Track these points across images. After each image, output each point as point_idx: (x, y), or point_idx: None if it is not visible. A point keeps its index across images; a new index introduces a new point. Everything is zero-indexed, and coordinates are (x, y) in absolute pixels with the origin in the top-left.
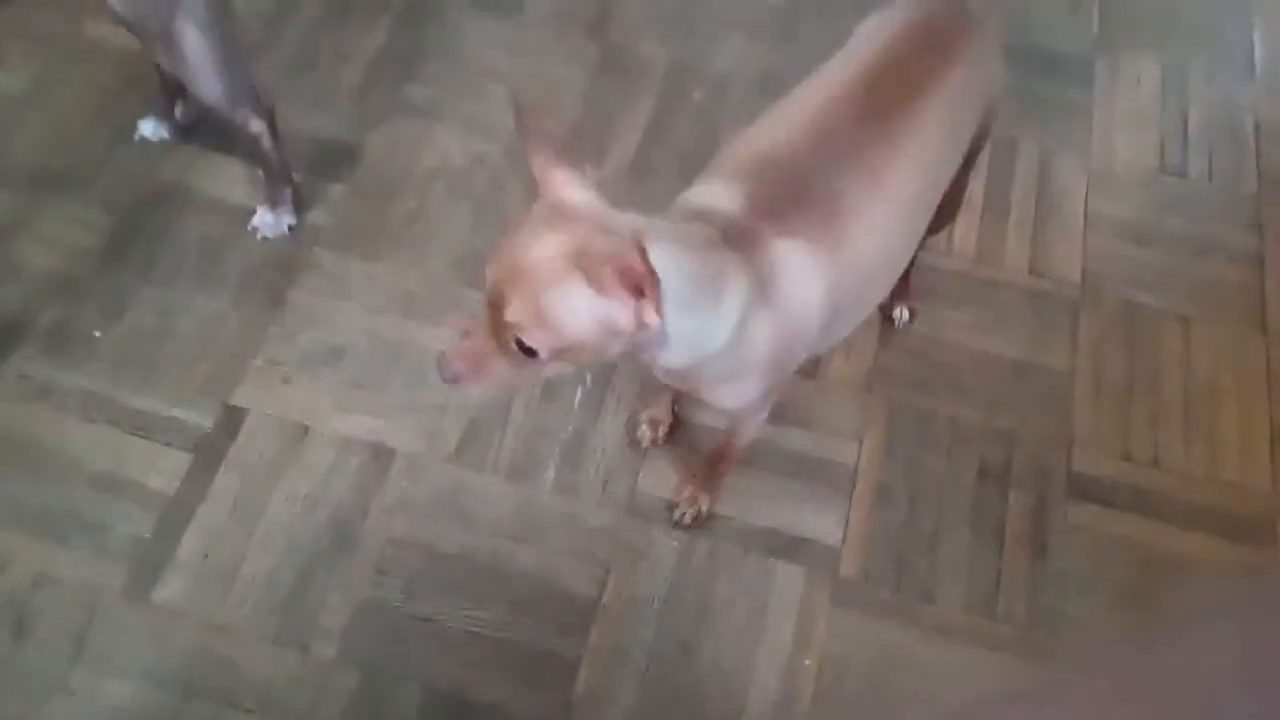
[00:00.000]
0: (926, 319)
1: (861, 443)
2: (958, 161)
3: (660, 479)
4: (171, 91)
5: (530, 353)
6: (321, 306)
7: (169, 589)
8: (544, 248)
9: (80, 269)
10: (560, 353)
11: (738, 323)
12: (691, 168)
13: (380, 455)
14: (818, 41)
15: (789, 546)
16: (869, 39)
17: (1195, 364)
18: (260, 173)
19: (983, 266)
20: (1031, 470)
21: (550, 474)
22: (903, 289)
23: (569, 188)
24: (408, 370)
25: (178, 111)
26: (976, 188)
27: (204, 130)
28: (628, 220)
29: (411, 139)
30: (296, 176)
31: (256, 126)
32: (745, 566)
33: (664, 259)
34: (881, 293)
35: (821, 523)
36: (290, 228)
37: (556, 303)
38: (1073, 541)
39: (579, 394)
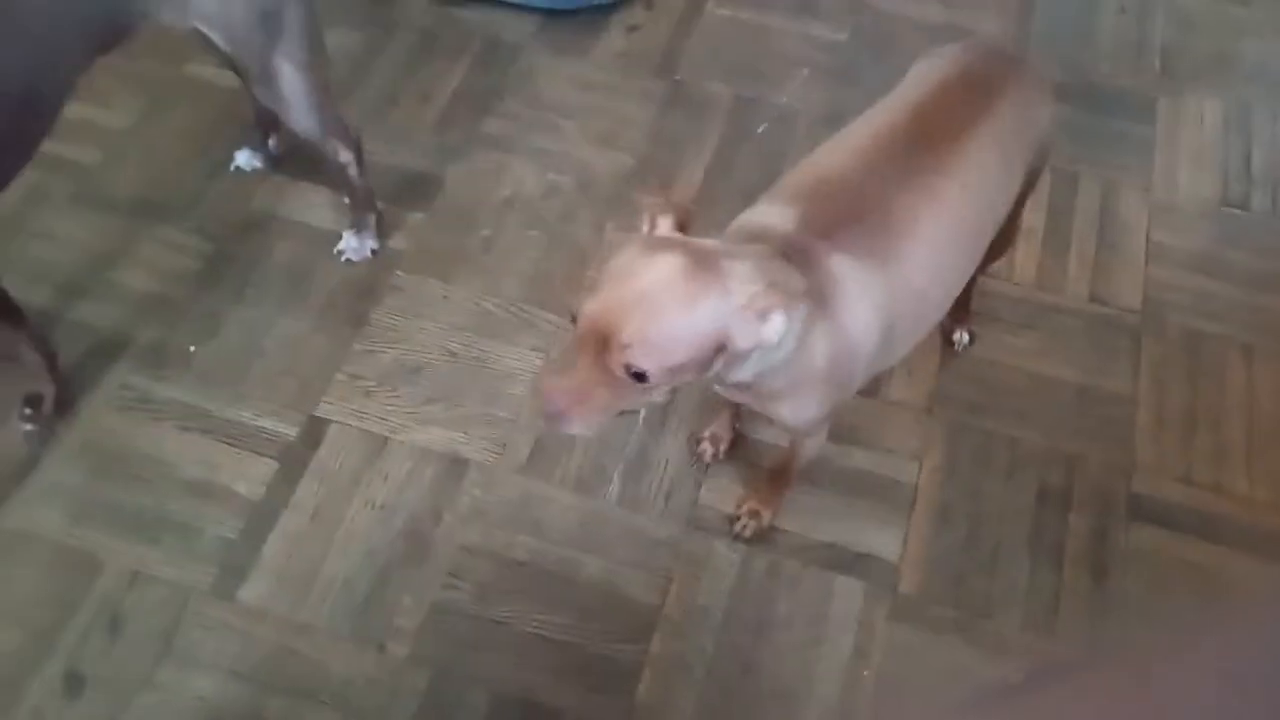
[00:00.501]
0: (987, 343)
1: (922, 463)
2: (1010, 192)
3: (721, 493)
4: (265, 124)
5: (640, 377)
6: (401, 326)
7: (253, 589)
8: (652, 274)
9: (178, 290)
10: (670, 374)
11: (798, 336)
12: (754, 200)
13: (455, 466)
14: (877, 79)
15: (849, 562)
16: (921, 78)
17: (1258, 392)
18: (346, 200)
19: (1044, 293)
20: (1092, 493)
21: (615, 487)
22: (962, 313)
23: (663, 228)
24: (482, 386)
25: (271, 143)
26: (1038, 218)
27: (294, 160)
28: (710, 245)
29: (488, 171)
30: (380, 204)
31: (345, 157)
32: (805, 581)
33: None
34: (937, 313)
35: (881, 540)
36: (373, 252)
37: (673, 321)
38: (1133, 565)
39: (642, 411)
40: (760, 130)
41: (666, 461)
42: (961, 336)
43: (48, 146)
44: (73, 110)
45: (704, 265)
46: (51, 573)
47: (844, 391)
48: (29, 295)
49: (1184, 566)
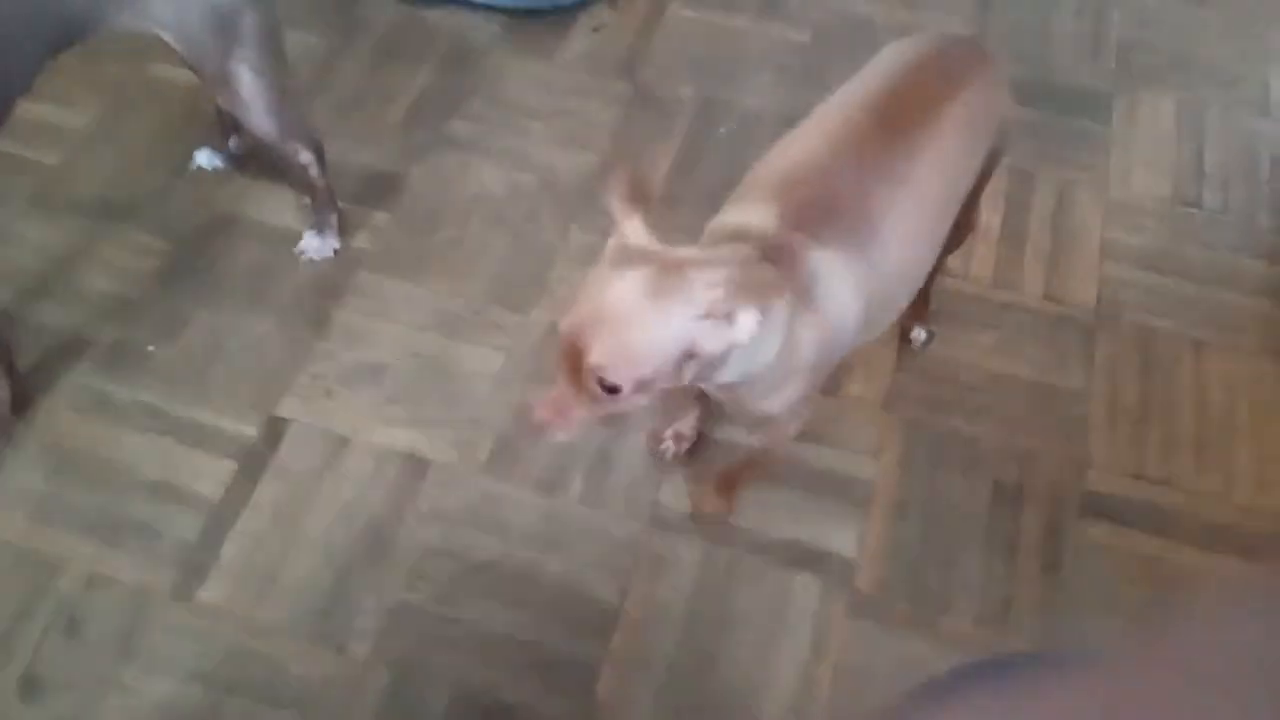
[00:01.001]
0: (944, 341)
1: (879, 459)
2: (973, 174)
3: (682, 492)
4: (226, 125)
5: (613, 390)
6: (364, 326)
7: (213, 590)
8: (619, 288)
9: (138, 291)
10: (640, 385)
11: (784, 334)
12: (718, 200)
13: (416, 466)
14: (840, 79)
15: (807, 559)
16: (887, 63)
17: (1210, 389)
18: (308, 200)
19: (1000, 291)
20: (1046, 489)
21: (577, 486)
22: (920, 310)
23: (634, 234)
24: (445, 386)
25: (232, 143)
26: (994, 217)
27: (256, 160)
28: (680, 253)
29: (453, 171)
30: (344, 204)
31: (305, 158)
32: (764, 578)
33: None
34: (908, 294)
35: (839, 537)
36: (335, 251)
37: (637, 337)
38: (1087, 559)
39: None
40: (724, 131)
41: (627, 462)
42: (919, 334)
43: (8, 146)
44: (33, 111)
45: (668, 276)
46: (8, 575)
47: (823, 375)
48: None
49: (1136, 560)
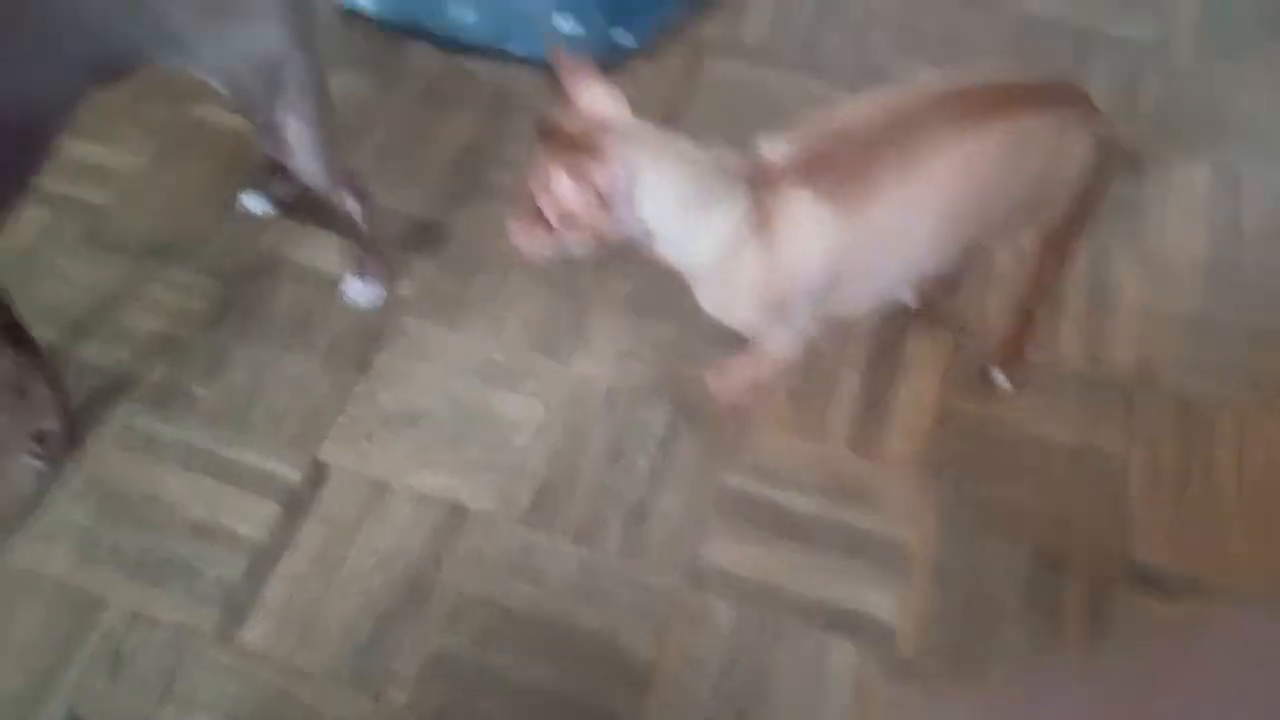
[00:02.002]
0: (981, 401)
1: (918, 523)
2: (1014, 197)
3: (722, 548)
4: (273, 169)
5: (548, 224)
6: (405, 370)
7: (254, 631)
8: (554, 142)
9: (185, 331)
10: (564, 220)
11: (724, 244)
12: None
13: (455, 512)
14: None
15: (846, 622)
16: (978, 71)
17: (1248, 450)
18: (352, 245)
19: (1038, 352)
20: (1088, 555)
21: (615, 537)
22: (1010, 351)
23: (600, 103)
24: (484, 433)
25: (279, 188)
26: None
27: (302, 205)
28: (638, 125)
29: (494, 219)
30: (386, 250)
31: (351, 205)
32: (802, 639)
33: (644, 163)
34: (889, 279)
35: (878, 600)
36: (378, 297)
37: (551, 180)
38: (1130, 628)
39: (644, 462)
40: None
41: (667, 514)
42: (1000, 377)
43: (58, 185)
44: (83, 151)
45: (603, 131)
46: (54, 612)
47: (782, 315)
48: (39, 334)
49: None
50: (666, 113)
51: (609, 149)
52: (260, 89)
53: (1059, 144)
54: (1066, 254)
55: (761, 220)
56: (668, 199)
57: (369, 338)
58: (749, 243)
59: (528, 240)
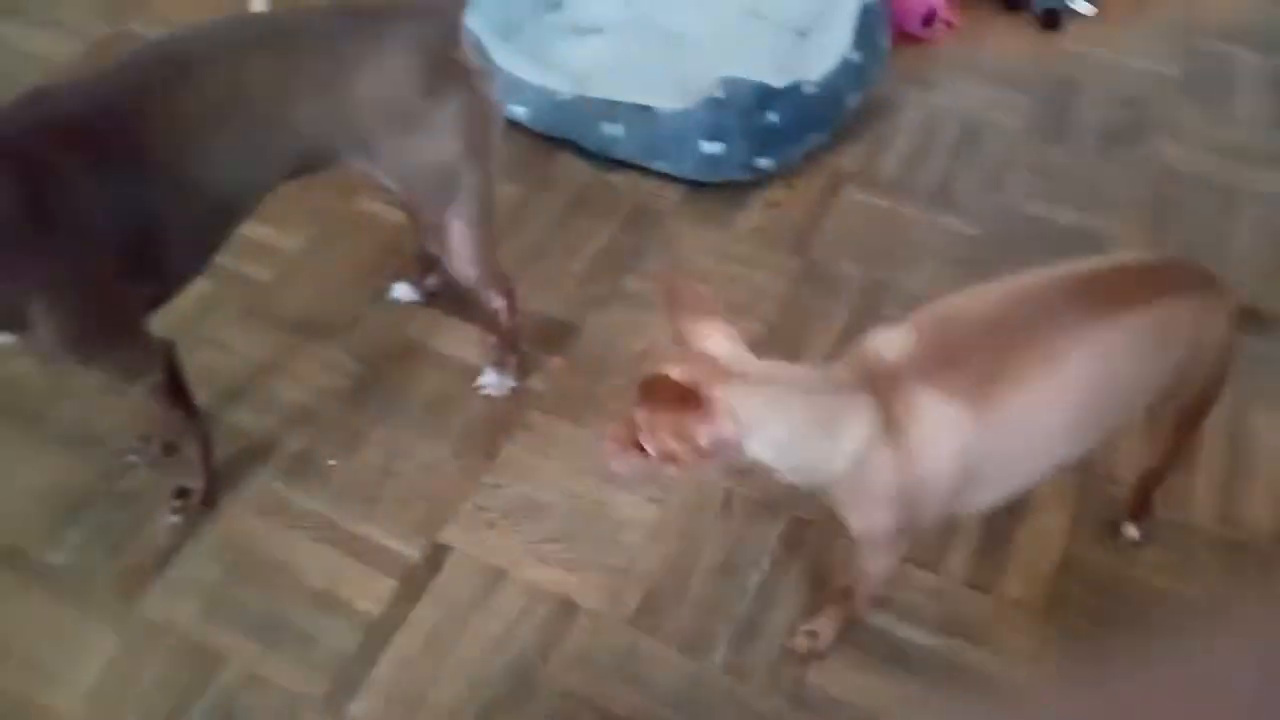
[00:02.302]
0: (1109, 551)
1: (1036, 668)
2: (1147, 387)
3: (831, 674)
4: (425, 263)
5: (645, 451)
6: (530, 463)
7: (362, 706)
8: (658, 397)
9: (326, 406)
10: (665, 456)
11: (856, 457)
12: None
13: (566, 608)
14: (1006, 274)
15: None
16: (1109, 258)
17: None
18: (493, 340)
19: (1170, 510)
20: None
21: (722, 650)
22: (1140, 507)
23: (712, 339)
24: (599, 530)
25: (428, 280)
26: None
27: (447, 297)
28: (747, 364)
29: (625, 325)
30: (522, 346)
31: (498, 303)
32: None
33: (754, 412)
34: (1029, 473)
35: None
36: (512, 389)
37: (653, 418)
38: None
39: (756, 577)
40: (886, 314)
41: (776, 633)
42: (1130, 530)
43: (227, 262)
44: (253, 231)
45: (709, 371)
46: (176, 663)
47: (916, 519)
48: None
49: None
50: (799, 235)
51: (716, 404)
52: (433, 193)
53: (1195, 330)
54: (1198, 424)
55: (890, 426)
56: (783, 441)
57: (499, 428)
58: (880, 451)
59: (622, 462)
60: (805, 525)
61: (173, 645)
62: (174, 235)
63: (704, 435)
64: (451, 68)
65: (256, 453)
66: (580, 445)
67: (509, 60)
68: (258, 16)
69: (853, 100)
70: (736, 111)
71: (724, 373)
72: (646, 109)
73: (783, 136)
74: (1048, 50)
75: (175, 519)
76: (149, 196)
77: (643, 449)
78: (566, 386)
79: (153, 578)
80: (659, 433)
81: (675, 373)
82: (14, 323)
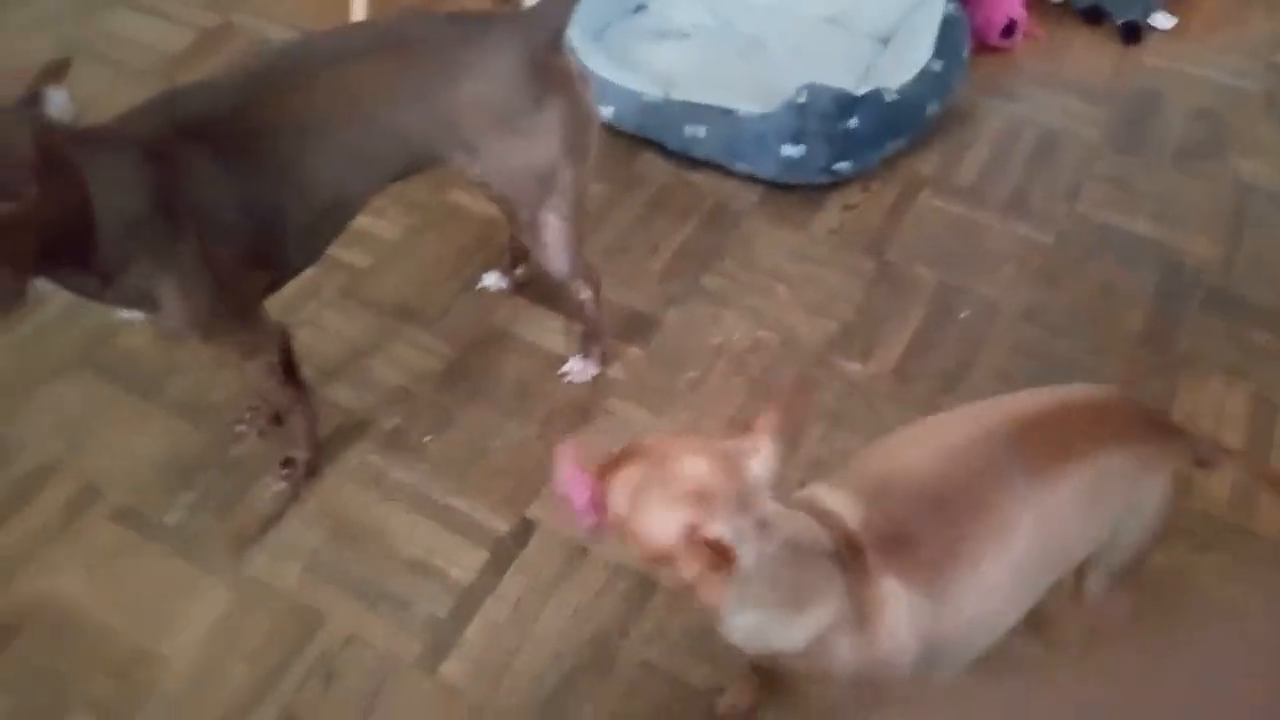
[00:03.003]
0: (1173, 557)
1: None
2: (1088, 543)
3: None
4: (516, 255)
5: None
6: (609, 447)
7: (452, 667)
8: (675, 461)
9: (420, 386)
10: (622, 535)
11: (817, 636)
12: (952, 381)
13: (644, 585)
14: (1080, 283)
15: None
16: (1038, 394)
17: None
18: (577, 329)
19: (1235, 512)
20: None
21: None
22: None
23: (754, 455)
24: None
25: (517, 270)
26: (1235, 440)
27: (534, 287)
28: (755, 504)
29: (702, 320)
30: (605, 336)
31: (585, 294)
32: None
33: (749, 554)
34: (990, 638)
35: None
36: (594, 377)
37: (640, 520)
38: None
39: None
40: (962, 316)
41: None
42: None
43: (329, 249)
44: (355, 220)
45: (701, 491)
46: (280, 623)
47: (872, 691)
48: None
49: None
50: (875, 238)
51: (716, 514)
52: (531, 191)
53: (1136, 484)
54: (1131, 585)
55: (855, 612)
56: (752, 622)
57: (580, 412)
58: (841, 635)
59: (577, 513)
60: None
61: (277, 603)
62: (291, 228)
63: (698, 580)
64: (554, 74)
65: (356, 427)
66: (656, 432)
67: (596, 62)
68: (373, 24)
69: (932, 109)
70: (818, 116)
71: (732, 490)
72: (729, 112)
73: (862, 142)
74: (1127, 64)
75: (281, 486)
76: (270, 192)
77: (604, 517)
78: (645, 376)
79: (259, 539)
80: (648, 528)
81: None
82: (146, 302)
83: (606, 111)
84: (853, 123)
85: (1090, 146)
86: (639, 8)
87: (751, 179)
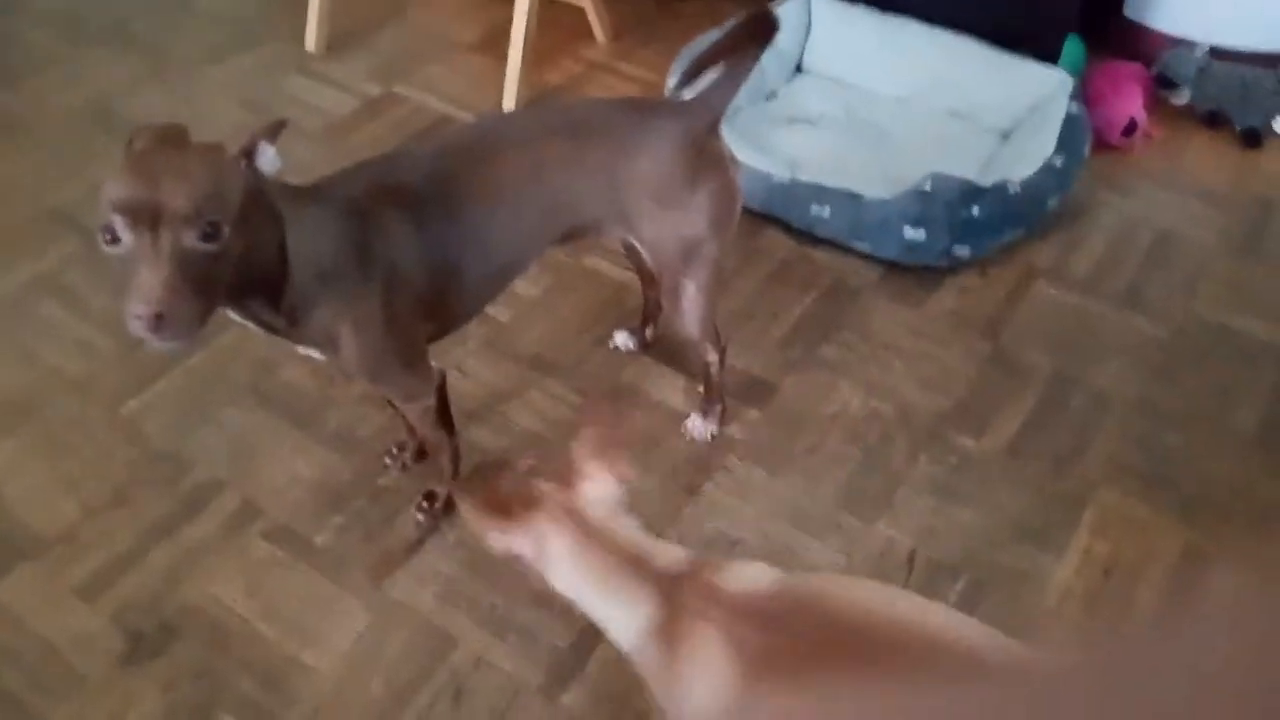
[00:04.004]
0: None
1: None
2: None
3: None
4: (647, 316)
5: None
6: (726, 503)
7: (573, 697)
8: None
9: (553, 433)
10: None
11: (636, 645)
12: (1063, 462)
13: None
14: (1193, 381)
15: None
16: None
17: None
18: (700, 389)
19: None
20: None
21: None
22: None
23: (591, 484)
24: (786, 570)
25: (646, 331)
26: None
27: (661, 347)
28: (599, 520)
29: (819, 388)
30: (725, 397)
31: (711, 357)
32: None
33: (563, 543)
34: None
35: None
36: (713, 436)
37: (473, 501)
38: None
39: None
40: (1073, 405)
41: None
42: None
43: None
44: None
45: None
46: (416, 641)
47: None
48: None
49: None
50: (991, 321)
51: (527, 523)
52: (676, 261)
53: None
54: None
55: (667, 641)
56: (573, 584)
57: (700, 468)
58: (649, 650)
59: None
60: (980, 588)
61: (414, 625)
62: (465, 285)
63: (503, 544)
64: (710, 156)
65: (491, 469)
66: (773, 492)
67: (729, 143)
68: (554, 106)
69: (1053, 202)
70: (942, 203)
71: (566, 509)
72: (855, 195)
73: (982, 229)
74: (1246, 168)
75: (421, 517)
76: (452, 252)
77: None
78: (763, 438)
79: (399, 564)
80: (472, 514)
81: (513, 483)
82: (326, 343)
83: None
84: (975, 211)
85: (1207, 247)
86: (770, 95)
87: (871, 257)
